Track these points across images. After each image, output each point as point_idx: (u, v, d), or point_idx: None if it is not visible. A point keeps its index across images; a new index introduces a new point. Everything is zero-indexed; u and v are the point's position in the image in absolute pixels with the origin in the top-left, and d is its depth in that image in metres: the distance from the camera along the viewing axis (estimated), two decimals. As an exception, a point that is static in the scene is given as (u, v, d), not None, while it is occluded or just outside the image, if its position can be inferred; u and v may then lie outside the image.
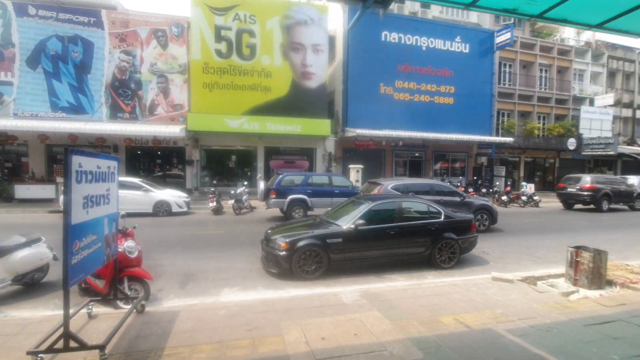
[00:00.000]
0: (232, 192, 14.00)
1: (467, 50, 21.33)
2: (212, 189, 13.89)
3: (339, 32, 19.82)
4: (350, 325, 3.80)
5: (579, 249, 5.56)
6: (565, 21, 4.11)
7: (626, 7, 3.86)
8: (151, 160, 18.28)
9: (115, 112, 16.26)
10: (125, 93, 16.31)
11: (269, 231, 6.47)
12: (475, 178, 22.32)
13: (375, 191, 10.23)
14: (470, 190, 18.46)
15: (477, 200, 11.03)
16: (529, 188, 19.92)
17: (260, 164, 18.81)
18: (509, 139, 21.56)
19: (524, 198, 17.98)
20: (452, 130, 20.19)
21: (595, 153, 25.31)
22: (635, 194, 16.76)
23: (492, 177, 23.12)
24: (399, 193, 9.51)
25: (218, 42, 16.91)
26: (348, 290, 4.94)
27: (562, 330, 3.73)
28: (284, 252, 5.67)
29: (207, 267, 6.47)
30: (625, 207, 16.98)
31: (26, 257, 4.89)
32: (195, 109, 16.82)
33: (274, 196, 11.63)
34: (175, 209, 12.73)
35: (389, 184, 10.25)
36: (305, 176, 12.23)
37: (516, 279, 5.57)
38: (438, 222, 6.62)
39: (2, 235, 5.11)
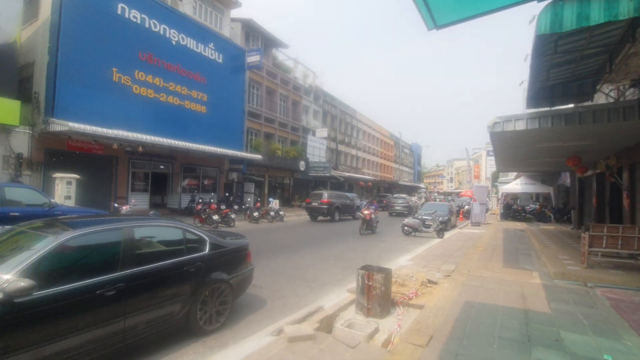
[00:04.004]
0: None
1: (220, 61, 20.27)
2: None
3: (46, -21, 13.49)
4: None
5: (370, 271, 4.65)
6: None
7: None
8: None
9: None
10: None
11: None
12: (227, 194, 21.24)
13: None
14: (223, 207, 16.98)
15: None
16: (275, 204, 20.96)
17: None
18: (259, 156, 22.12)
19: (272, 213, 18.41)
20: (204, 142, 18.12)
21: (316, 174, 30.82)
22: (354, 207, 21.29)
23: (243, 193, 22.92)
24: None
25: None
26: None
27: None
28: None
29: None
30: (350, 217, 21.12)
31: None
32: None
33: None
34: None
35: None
36: None
37: (314, 328, 3.91)
38: (202, 257, 4.06)
39: None
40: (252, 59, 22.00)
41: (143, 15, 15.92)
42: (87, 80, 13.84)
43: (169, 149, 17.04)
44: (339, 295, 5.50)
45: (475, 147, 64.75)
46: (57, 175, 11.98)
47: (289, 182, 30.31)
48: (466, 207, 26.51)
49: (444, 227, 15.99)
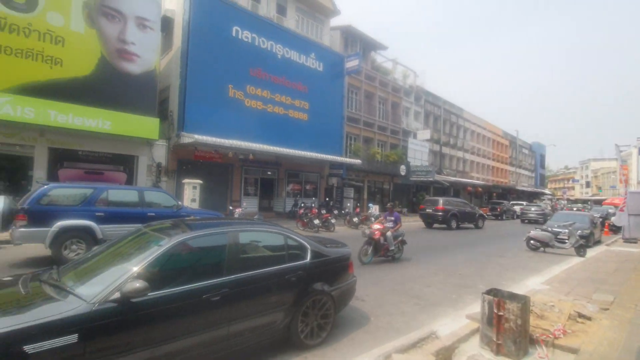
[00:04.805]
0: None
1: (321, 69, 20.88)
2: None
3: (179, 14, 15.90)
4: None
5: (498, 296, 3.75)
6: None
7: None
8: None
9: None
10: None
11: None
12: (327, 199, 21.61)
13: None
14: (324, 211, 17.24)
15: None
16: (374, 209, 20.41)
17: (39, 174, 12.36)
18: (358, 161, 21.93)
19: (372, 219, 17.87)
20: (305, 148, 18.82)
21: (418, 179, 29.06)
22: (477, 215, 19.83)
23: (342, 198, 23.03)
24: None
25: (-41, -30, 10.32)
26: None
27: None
28: None
29: None
30: (471, 225, 19.59)
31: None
32: None
33: (24, 222, 6.61)
34: None
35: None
36: (95, 190, 7.65)
37: (429, 361, 3.26)
38: (303, 266, 3.84)
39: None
40: (351, 64, 22.05)
41: (253, 35, 17.45)
42: (208, 97, 15.77)
43: (275, 155, 18.19)
44: (455, 321, 4.66)
45: (623, 145, 52.23)
46: (186, 180, 13.84)
47: (389, 187, 29.33)
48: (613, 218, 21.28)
49: (586, 242, 12.98)
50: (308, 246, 4.03)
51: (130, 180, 14.30)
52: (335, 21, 24.34)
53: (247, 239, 3.66)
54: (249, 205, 17.74)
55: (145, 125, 13.50)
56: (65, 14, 12.00)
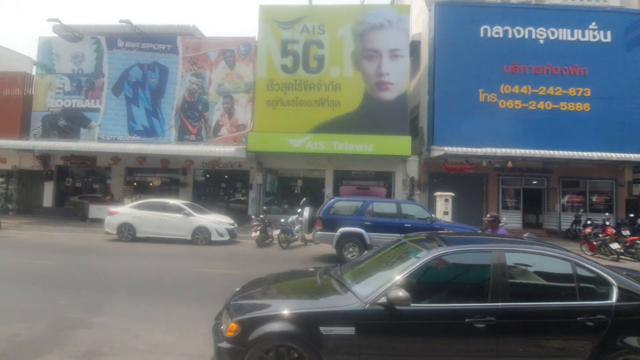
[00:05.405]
0: (282, 220, 11.70)
1: (607, 39, 15.55)
2: (261, 216, 11.86)
3: (425, 36, 16.65)
4: None
5: None
6: None
7: None
8: (216, 185, 17.58)
9: (182, 134, 16.04)
10: (192, 115, 16.05)
11: (238, 290, 3.63)
12: (631, 215, 15.38)
13: None
14: (627, 232, 12.41)
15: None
16: None
17: (328, 190, 16.23)
18: (694, 158, 14.40)
19: None
20: (588, 147, 14.41)
21: None
22: None
23: (662, 214, 15.70)
24: None
25: (284, 57, 15.53)
26: None
27: None
28: (227, 345, 2.74)
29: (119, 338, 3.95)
30: None
31: None
32: (258, 128, 15.47)
33: (319, 227, 8.78)
34: (214, 236, 10.93)
35: None
36: (363, 202, 9.08)
37: None
38: (605, 308, 2.78)
39: None
40: (668, 18, 15.09)
41: (505, 28, 15.51)
42: (456, 107, 15.29)
43: (542, 161, 15.10)
44: None
45: None
46: (437, 193, 13.93)
47: None
48: None
49: None
50: (613, 281, 2.88)
51: (389, 194, 16.08)
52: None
53: (517, 261, 3.07)
54: (509, 220, 15.47)
55: (399, 144, 14.80)
56: (340, 66, 15.34)
